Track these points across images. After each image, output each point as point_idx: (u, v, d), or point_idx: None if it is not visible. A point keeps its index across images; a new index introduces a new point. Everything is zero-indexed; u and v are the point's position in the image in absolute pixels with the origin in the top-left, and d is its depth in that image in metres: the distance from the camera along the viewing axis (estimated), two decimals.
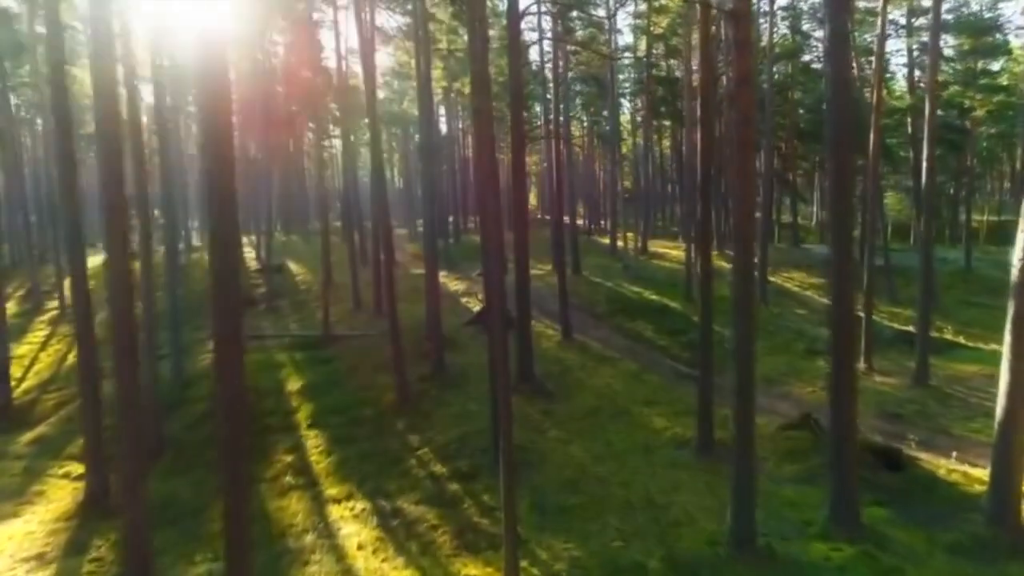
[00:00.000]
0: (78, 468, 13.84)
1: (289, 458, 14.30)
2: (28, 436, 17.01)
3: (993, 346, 23.84)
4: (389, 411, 16.77)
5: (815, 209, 55.79)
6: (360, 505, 11.71)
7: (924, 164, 17.77)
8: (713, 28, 17.45)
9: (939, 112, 23.31)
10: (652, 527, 10.87)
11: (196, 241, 44.81)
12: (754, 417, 10.05)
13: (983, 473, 12.30)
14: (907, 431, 14.85)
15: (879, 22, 21.08)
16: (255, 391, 18.41)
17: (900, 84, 43.01)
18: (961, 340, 24.29)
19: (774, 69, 35.22)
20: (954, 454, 13.28)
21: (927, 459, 13.21)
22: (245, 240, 41.98)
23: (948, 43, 32.70)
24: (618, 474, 13.20)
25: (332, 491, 12.50)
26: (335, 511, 11.68)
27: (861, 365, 19.13)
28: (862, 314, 19.53)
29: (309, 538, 10.78)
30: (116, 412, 8.81)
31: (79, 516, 11.86)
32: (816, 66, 41.97)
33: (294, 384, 18.91)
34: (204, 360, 20.91)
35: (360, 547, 10.35)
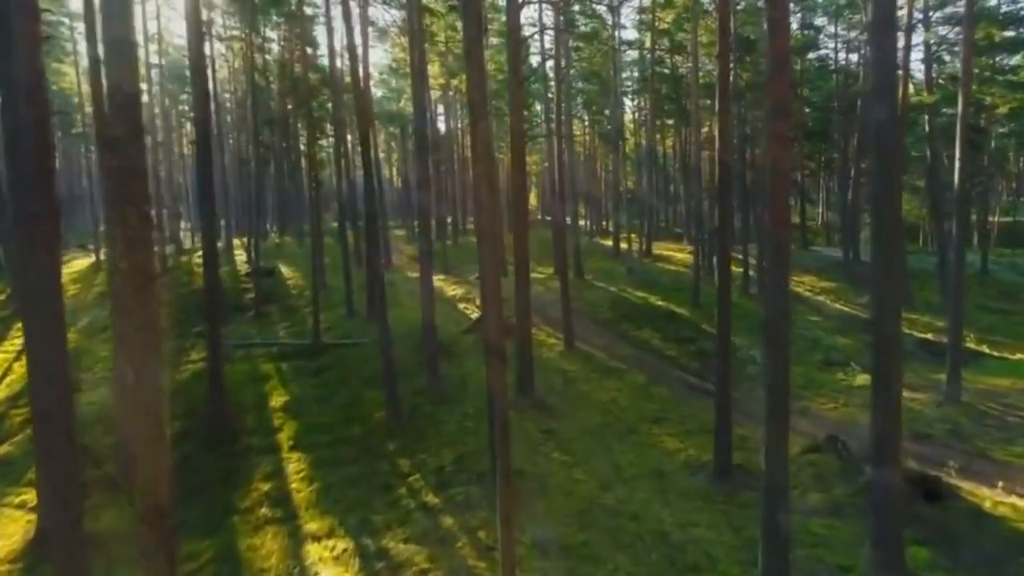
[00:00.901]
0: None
1: (267, 485, 13.04)
2: None
3: (1020, 356, 22.62)
4: (379, 429, 15.55)
5: (821, 210, 54.58)
6: (342, 544, 10.46)
7: (957, 163, 16.65)
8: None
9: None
10: (668, 572, 9.66)
11: (188, 243, 43.42)
12: (787, 451, 8.80)
13: None
14: (942, 455, 13.59)
15: (905, 12, 19.80)
16: (236, 406, 17.21)
17: (912, 81, 41.66)
18: (985, 349, 23.08)
19: None
20: (1000, 484, 12.02)
21: (969, 489, 11.96)
22: (237, 243, 40.73)
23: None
24: (628, 504, 11.99)
25: (312, 526, 11.26)
26: (314, 551, 10.44)
27: None
28: None
29: None
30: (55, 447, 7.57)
31: (27, 558, 10.58)
32: (827, 63, 40.81)
33: (279, 399, 17.68)
34: (185, 372, 19.69)
35: None
